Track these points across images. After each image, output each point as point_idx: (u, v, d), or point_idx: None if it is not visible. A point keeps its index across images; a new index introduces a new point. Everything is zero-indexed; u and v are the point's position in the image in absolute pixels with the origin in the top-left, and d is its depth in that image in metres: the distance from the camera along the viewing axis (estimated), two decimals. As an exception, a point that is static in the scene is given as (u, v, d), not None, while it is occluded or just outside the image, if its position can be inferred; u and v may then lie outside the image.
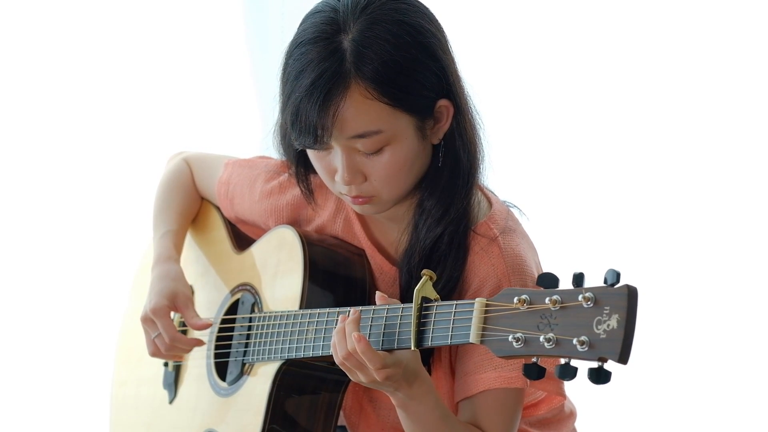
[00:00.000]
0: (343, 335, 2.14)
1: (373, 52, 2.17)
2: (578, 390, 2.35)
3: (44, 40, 3.88)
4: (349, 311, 2.20)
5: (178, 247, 2.61)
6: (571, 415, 2.53)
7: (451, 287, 2.28)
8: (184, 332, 2.55)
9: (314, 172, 2.34)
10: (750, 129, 3.60)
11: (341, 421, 2.44)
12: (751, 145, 3.60)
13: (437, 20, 2.26)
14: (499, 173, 2.35)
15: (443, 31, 2.26)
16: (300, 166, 2.40)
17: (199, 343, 2.47)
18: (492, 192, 2.39)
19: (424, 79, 2.20)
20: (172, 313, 2.50)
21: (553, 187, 3.79)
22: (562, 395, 2.36)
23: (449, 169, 2.27)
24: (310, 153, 2.28)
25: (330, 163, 2.25)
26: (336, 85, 2.16)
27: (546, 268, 2.32)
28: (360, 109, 2.17)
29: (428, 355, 2.33)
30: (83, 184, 3.96)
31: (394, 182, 2.24)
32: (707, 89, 3.63)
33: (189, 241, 2.68)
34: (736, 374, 3.61)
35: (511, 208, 2.38)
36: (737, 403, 3.62)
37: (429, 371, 2.34)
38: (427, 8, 2.26)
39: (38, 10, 3.86)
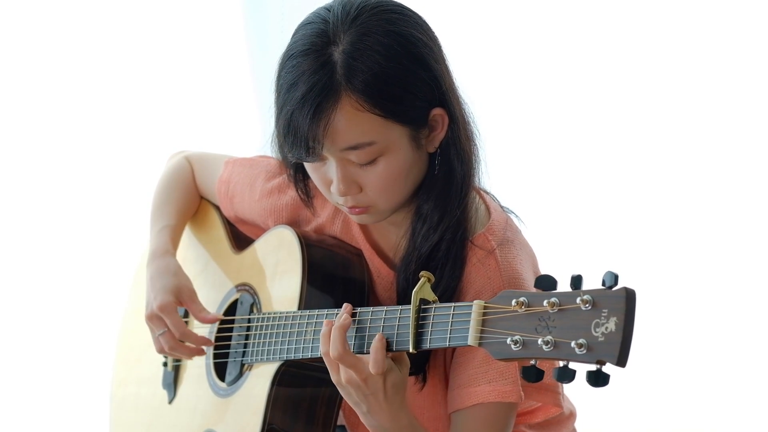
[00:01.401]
0: (327, 338, 2.15)
1: (363, 63, 2.15)
2: (577, 390, 2.35)
3: (44, 40, 3.88)
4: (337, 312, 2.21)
5: (175, 242, 2.60)
6: (571, 415, 2.53)
7: (448, 297, 2.26)
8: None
9: None
10: (748, 130, 3.60)
11: (341, 420, 2.44)
12: (749, 147, 3.60)
13: (430, 29, 2.24)
14: (497, 176, 2.34)
15: (436, 40, 2.25)
16: (298, 172, 2.39)
17: (207, 342, 2.47)
18: (492, 196, 2.38)
19: (416, 89, 2.19)
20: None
21: (552, 189, 3.79)
22: (559, 406, 2.36)
23: (444, 178, 2.26)
24: (305, 163, 2.28)
25: (325, 174, 2.25)
26: (327, 97, 2.15)
27: (544, 271, 2.32)
28: (352, 121, 2.16)
29: (424, 362, 2.33)
30: (83, 184, 3.96)
31: (390, 192, 2.24)
32: (705, 93, 3.63)
33: (187, 240, 2.68)
34: (735, 375, 3.62)
35: (509, 215, 2.37)
36: (736, 404, 3.62)
37: (425, 378, 2.34)
38: (419, 17, 2.24)
39: (38, 10, 3.86)
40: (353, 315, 2.19)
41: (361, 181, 2.23)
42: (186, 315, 2.60)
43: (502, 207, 2.38)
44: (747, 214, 3.60)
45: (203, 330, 2.53)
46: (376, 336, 2.12)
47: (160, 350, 2.48)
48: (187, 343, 2.47)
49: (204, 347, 2.50)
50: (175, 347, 2.46)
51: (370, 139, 2.18)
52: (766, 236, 3.59)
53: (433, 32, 2.25)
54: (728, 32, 3.58)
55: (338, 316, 2.18)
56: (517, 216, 2.38)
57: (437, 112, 2.22)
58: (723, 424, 3.62)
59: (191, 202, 2.68)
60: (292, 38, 2.25)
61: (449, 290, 2.27)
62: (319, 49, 2.18)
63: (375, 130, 2.17)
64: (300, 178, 2.40)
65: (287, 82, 2.20)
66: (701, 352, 3.65)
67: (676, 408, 3.69)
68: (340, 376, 2.15)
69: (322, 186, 2.27)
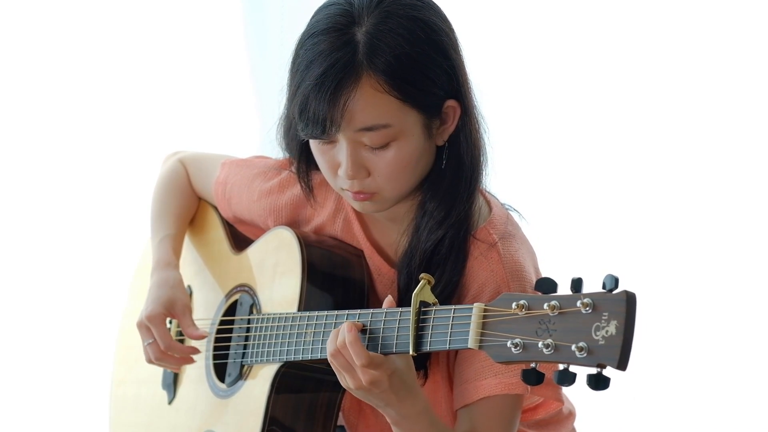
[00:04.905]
0: (337, 332, 2.14)
1: (386, 45, 2.16)
2: (577, 390, 2.35)
3: (44, 40, 3.88)
4: (347, 314, 2.20)
5: (177, 252, 2.60)
6: (570, 415, 2.53)
7: (450, 291, 2.27)
8: (181, 341, 2.55)
9: (316, 168, 2.34)
10: (750, 132, 3.59)
11: (340, 421, 2.44)
12: (751, 149, 3.60)
13: (449, 20, 2.26)
14: (500, 177, 2.34)
15: (454, 32, 2.26)
16: (302, 163, 2.39)
17: (194, 350, 2.47)
18: (493, 195, 2.39)
19: (435, 76, 2.20)
20: (168, 321, 2.50)
21: (553, 191, 3.79)
22: (560, 401, 2.37)
23: (452, 172, 2.27)
24: (313, 147, 2.27)
25: (334, 157, 2.24)
26: (347, 76, 2.16)
27: (545, 273, 2.32)
28: (370, 101, 2.17)
29: (425, 360, 2.33)
30: (83, 184, 3.96)
31: (398, 179, 2.24)
32: (706, 94, 3.62)
33: (187, 241, 2.67)
34: (735, 377, 3.62)
35: (510, 212, 2.37)
36: (736, 407, 3.62)
37: (426, 375, 2.34)
38: (439, 7, 2.25)
39: (38, 10, 3.86)
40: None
41: (371, 166, 2.23)
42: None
43: (502, 204, 2.39)
44: (748, 217, 3.60)
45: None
46: (344, 326, 2.11)
47: (148, 360, 2.49)
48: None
49: (201, 349, 2.50)
50: (162, 358, 2.47)
51: (386, 121, 2.18)
52: (766, 238, 3.59)
53: (451, 24, 2.26)
54: (728, 32, 3.58)
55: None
56: (519, 213, 2.39)
57: (451, 103, 2.23)
58: (722, 425, 3.62)
59: (189, 206, 2.68)
60: (313, 17, 2.25)
61: (451, 285, 2.28)
62: (341, 28, 2.19)
63: (391, 113, 2.18)
64: (303, 169, 2.40)
65: (306, 60, 2.20)
66: (701, 355, 3.65)
67: (675, 409, 3.69)
68: (348, 382, 2.14)
69: (328, 170, 2.27)
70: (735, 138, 3.61)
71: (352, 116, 2.17)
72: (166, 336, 2.45)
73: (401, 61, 2.17)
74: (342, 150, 2.22)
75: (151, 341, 2.46)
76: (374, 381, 2.11)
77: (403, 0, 2.21)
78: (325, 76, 2.16)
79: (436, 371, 2.35)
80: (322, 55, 2.18)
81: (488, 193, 2.38)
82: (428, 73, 2.19)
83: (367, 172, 2.23)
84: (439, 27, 2.22)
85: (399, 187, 2.26)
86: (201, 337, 2.46)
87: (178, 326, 2.56)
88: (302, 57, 2.21)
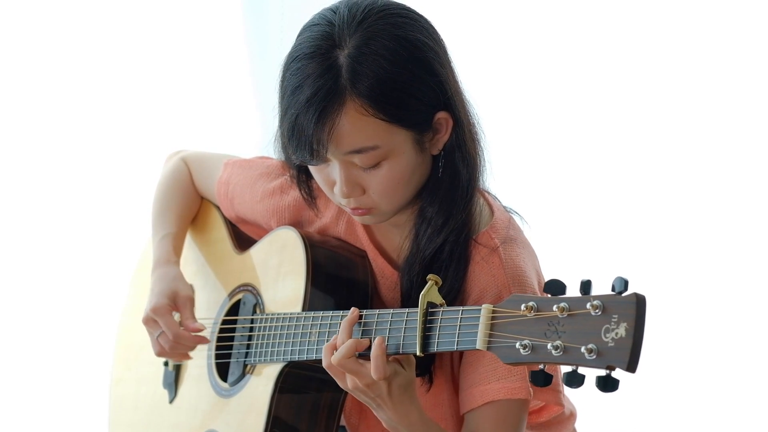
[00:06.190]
0: (329, 351, 2.16)
1: (368, 68, 2.15)
2: (577, 390, 2.35)
3: (44, 40, 3.87)
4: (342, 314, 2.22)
5: (178, 250, 2.60)
6: (571, 416, 2.54)
7: (453, 297, 2.27)
8: None
9: None
10: (751, 136, 3.60)
11: (341, 421, 2.44)
12: (754, 151, 3.60)
13: (436, 32, 2.24)
14: (504, 179, 2.35)
15: (442, 43, 2.24)
16: (302, 173, 2.39)
17: (203, 339, 2.47)
18: (495, 197, 2.39)
19: (420, 94, 2.18)
20: (174, 313, 2.50)
21: (560, 193, 3.79)
22: (560, 405, 2.36)
23: (449, 180, 2.26)
24: (308, 165, 2.29)
25: (329, 175, 2.25)
26: (331, 102, 2.15)
27: (552, 275, 2.32)
28: (356, 125, 2.16)
29: (430, 363, 2.33)
30: (83, 184, 3.96)
31: (393, 195, 2.24)
32: (708, 93, 3.62)
33: (189, 240, 2.67)
34: (741, 380, 3.62)
35: (512, 215, 2.37)
36: (741, 409, 3.62)
37: (431, 380, 2.34)
38: (425, 20, 2.24)
39: (38, 10, 3.85)
40: (359, 318, 2.20)
41: (365, 184, 2.23)
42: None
43: (504, 207, 2.39)
44: (755, 218, 3.60)
45: (205, 330, 2.54)
46: (376, 341, 2.13)
47: (160, 352, 2.49)
48: None
49: (206, 347, 2.50)
50: (173, 347, 2.46)
51: (374, 143, 2.18)
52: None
53: (439, 35, 2.24)
54: (728, 32, 3.59)
55: (345, 319, 2.19)
56: (520, 216, 2.38)
57: (442, 115, 2.22)
58: (726, 427, 3.63)
59: (191, 206, 2.68)
60: (297, 39, 2.24)
61: (453, 291, 2.27)
62: (324, 53, 2.18)
63: (379, 135, 2.17)
64: (303, 178, 2.40)
65: (292, 85, 2.19)
66: (707, 358, 3.64)
67: (676, 409, 3.70)
68: (347, 383, 2.15)
69: (325, 187, 2.28)
70: (738, 138, 3.61)
71: (339, 141, 2.17)
72: (173, 326, 2.45)
73: (384, 83, 2.15)
74: (335, 169, 2.22)
75: (159, 333, 2.46)
76: (372, 385, 2.13)
77: (385, 18, 2.19)
78: (310, 103, 2.16)
79: (440, 374, 2.35)
80: (306, 81, 2.17)
81: (489, 194, 2.38)
82: (413, 92, 2.18)
83: (361, 190, 2.24)
84: (424, 43, 2.19)
85: (395, 201, 2.26)
86: (197, 330, 2.46)
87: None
88: (288, 81, 2.21)
